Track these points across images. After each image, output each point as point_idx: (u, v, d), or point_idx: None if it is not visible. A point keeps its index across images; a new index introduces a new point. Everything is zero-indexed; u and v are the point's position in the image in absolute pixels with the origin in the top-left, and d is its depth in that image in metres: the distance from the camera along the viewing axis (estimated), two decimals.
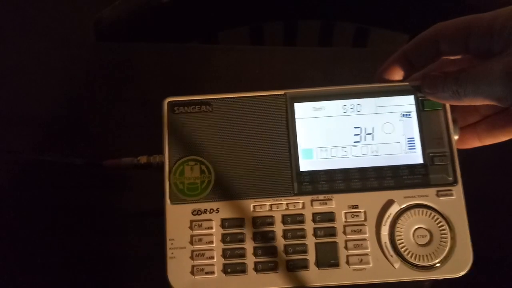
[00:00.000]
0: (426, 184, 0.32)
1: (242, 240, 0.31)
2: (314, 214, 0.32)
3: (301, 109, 0.33)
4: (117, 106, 0.45)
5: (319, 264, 0.31)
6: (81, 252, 0.38)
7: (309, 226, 0.31)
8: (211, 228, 0.31)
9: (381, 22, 0.67)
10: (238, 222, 0.31)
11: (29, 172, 0.40)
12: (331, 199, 0.32)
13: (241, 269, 0.31)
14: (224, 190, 0.32)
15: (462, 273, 0.31)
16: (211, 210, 0.32)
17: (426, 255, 0.31)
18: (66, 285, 0.37)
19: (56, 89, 0.46)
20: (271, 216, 0.32)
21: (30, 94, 0.45)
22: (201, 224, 0.31)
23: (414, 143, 0.33)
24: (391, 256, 0.31)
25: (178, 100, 0.33)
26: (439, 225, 0.31)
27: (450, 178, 0.32)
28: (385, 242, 0.31)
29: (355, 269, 0.31)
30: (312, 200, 0.32)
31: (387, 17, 0.66)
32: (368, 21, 0.67)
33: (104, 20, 0.54)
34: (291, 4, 0.66)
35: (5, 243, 0.38)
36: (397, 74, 0.34)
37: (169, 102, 0.33)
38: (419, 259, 0.31)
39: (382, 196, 0.32)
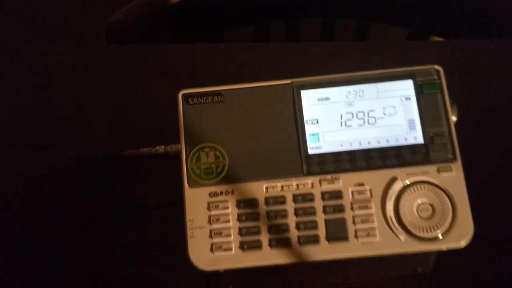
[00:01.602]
0: (427, 162, 0.34)
1: (256, 219, 0.33)
2: (323, 193, 0.34)
3: (307, 96, 0.36)
4: (130, 103, 0.48)
5: (329, 238, 0.33)
6: (106, 239, 0.40)
7: (318, 204, 0.34)
8: (227, 208, 0.34)
9: (381, 17, 0.69)
10: (252, 202, 0.34)
11: (56, 165, 0.42)
12: (338, 178, 0.34)
13: (257, 245, 0.33)
14: (238, 174, 0.34)
15: (464, 243, 0.33)
16: (227, 192, 0.34)
17: (430, 227, 0.33)
18: (97, 266, 0.39)
19: (74, 88, 0.48)
20: (283, 196, 0.34)
21: (51, 93, 0.47)
22: (218, 205, 0.34)
23: (414, 125, 0.35)
24: (397, 229, 0.33)
25: (192, 92, 0.36)
26: (440, 199, 0.34)
27: (450, 156, 0.34)
28: (391, 217, 0.33)
29: (363, 242, 0.33)
30: (320, 180, 0.34)
31: (386, 12, 0.68)
32: (368, 17, 0.69)
33: (114, 23, 0.57)
34: (293, 4, 0.68)
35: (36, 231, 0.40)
36: None
37: (183, 94, 0.36)
38: (423, 231, 0.33)
39: (386, 174, 0.34)
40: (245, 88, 0.36)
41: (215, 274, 0.35)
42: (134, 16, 0.58)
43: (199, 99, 0.36)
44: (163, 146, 0.37)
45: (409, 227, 0.33)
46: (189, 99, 0.36)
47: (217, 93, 0.36)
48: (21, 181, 0.43)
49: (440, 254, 0.36)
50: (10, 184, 0.43)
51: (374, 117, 0.35)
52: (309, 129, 0.35)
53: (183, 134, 0.35)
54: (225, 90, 0.36)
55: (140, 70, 0.52)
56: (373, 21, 0.69)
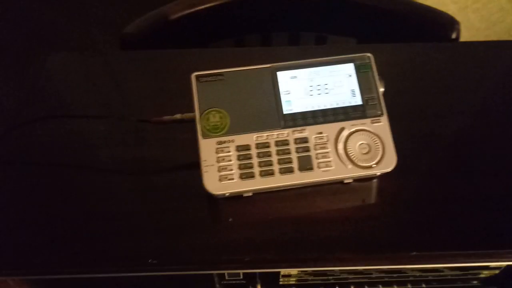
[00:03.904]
0: (364, 116, 0.50)
1: (250, 158, 0.48)
2: (295, 139, 0.49)
3: (282, 75, 0.51)
4: (145, 90, 0.62)
5: (300, 169, 0.48)
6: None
7: (292, 146, 0.49)
8: (229, 152, 0.48)
9: (335, 31, 0.87)
10: (247, 147, 0.49)
11: (101, 132, 0.56)
12: (305, 129, 0.49)
13: (251, 176, 0.48)
14: (236, 128, 0.49)
15: (390, 169, 0.49)
16: (229, 141, 0.49)
17: (367, 159, 0.49)
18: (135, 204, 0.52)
19: (103, 83, 0.62)
20: (268, 142, 0.49)
21: (90, 87, 0.62)
22: (223, 149, 0.48)
23: (355, 93, 0.51)
24: (345, 161, 0.49)
25: (202, 73, 0.51)
26: (374, 141, 0.49)
27: (379, 112, 0.50)
28: (341, 153, 0.49)
29: (323, 171, 0.48)
30: (293, 131, 0.49)
31: (340, 27, 0.86)
32: (325, 30, 0.87)
33: (127, 34, 0.72)
34: (266, 21, 0.85)
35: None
36: None
37: (196, 75, 0.51)
38: (363, 162, 0.49)
39: (337, 126, 0.50)
40: (239, 70, 0.51)
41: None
42: (142, 28, 0.73)
43: (207, 78, 0.51)
44: (180, 114, 0.52)
45: (354, 160, 0.49)
46: (200, 78, 0.50)
47: (220, 74, 0.51)
48: (64, 146, 0.56)
49: (379, 190, 0.51)
50: (54, 150, 0.56)
51: (328, 88, 0.51)
52: (284, 97, 0.51)
53: (197, 102, 0.50)
54: (225, 71, 0.51)
55: (148, 69, 0.66)
56: (329, 34, 0.87)
